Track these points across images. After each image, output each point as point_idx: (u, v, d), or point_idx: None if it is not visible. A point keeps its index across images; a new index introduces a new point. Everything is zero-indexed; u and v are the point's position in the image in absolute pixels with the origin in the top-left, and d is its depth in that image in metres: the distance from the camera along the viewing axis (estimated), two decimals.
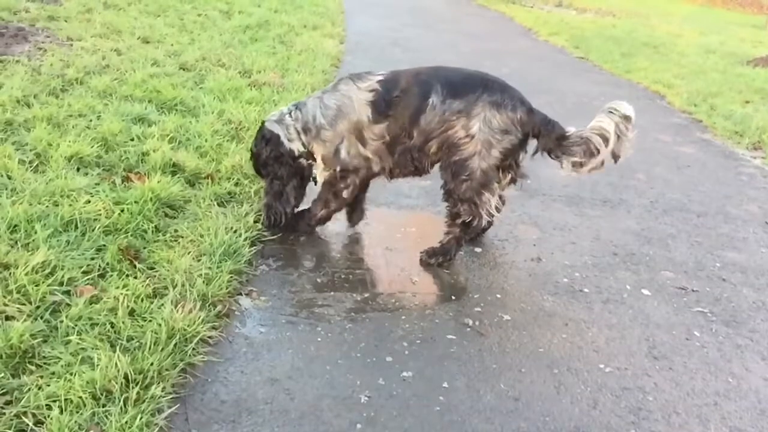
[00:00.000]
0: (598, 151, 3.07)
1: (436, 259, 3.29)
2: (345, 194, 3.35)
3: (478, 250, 3.50)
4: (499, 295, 3.09)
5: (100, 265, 2.70)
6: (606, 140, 3.04)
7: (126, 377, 2.11)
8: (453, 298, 3.03)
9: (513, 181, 3.36)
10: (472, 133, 3.10)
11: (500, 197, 3.33)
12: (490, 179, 3.17)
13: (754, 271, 3.64)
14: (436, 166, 3.30)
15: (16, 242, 2.70)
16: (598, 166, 3.13)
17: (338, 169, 3.27)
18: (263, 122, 3.40)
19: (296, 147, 3.31)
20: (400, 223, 3.69)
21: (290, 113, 3.33)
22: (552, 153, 3.19)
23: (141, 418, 1.99)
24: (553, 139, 3.15)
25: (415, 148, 3.21)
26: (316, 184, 3.44)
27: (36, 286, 2.44)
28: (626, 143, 3.08)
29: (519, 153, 3.24)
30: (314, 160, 3.35)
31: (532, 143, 3.25)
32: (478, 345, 2.69)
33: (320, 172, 3.36)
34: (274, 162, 3.33)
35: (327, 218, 3.44)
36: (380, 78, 3.23)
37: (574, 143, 3.12)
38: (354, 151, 3.24)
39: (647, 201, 4.48)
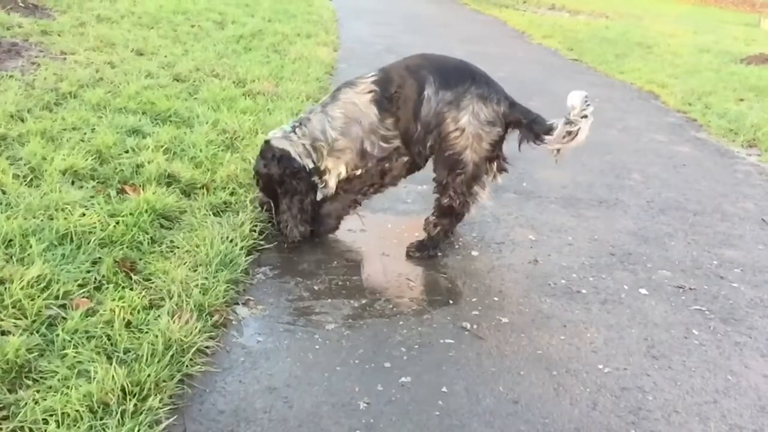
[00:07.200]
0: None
1: (426, 253, 3.38)
2: (396, 170, 3.38)
3: (475, 253, 3.50)
4: (496, 298, 3.09)
5: (95, 278, 2.69)
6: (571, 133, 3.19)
7: (123, 389, 2.10)
8: (450, 302, 3.03)
9: (501, 169, 3.45)
10: (462, 126, 3.18)
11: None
12: (481, 172, 3.30)
13: (751, 268, 3.63)
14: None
15: (11, 257, 2.69)
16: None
17: (375, 161, 3.30)
18: (267, 141, 3.34)
19: (307, 163, 3.30)
20: (397, 229, 3.69)
21: (294, 130, 3.31)
22: (534, 142, 3.28)
23: (139, 431, 1.98)
24: (534, 132, 3.24)
25: (420, 140, 3.27)
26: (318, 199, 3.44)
27: (31, 300, 2.43)
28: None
29: (502, 143, 3.34)
30: (321, 178, 3.34)
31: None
32: (477, 348, 2.69)
33: (326, 186, 3.37)
34: (292, 178, 3.27)
35: (342, 216, 3.46)
36: (373, 78, 3.28)
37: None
38: (378, 147, 3.29)
39: (643, 201, 4.48)
